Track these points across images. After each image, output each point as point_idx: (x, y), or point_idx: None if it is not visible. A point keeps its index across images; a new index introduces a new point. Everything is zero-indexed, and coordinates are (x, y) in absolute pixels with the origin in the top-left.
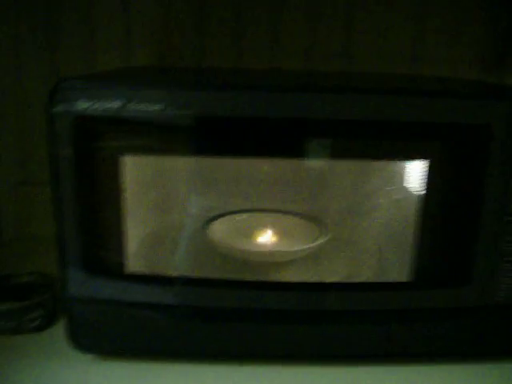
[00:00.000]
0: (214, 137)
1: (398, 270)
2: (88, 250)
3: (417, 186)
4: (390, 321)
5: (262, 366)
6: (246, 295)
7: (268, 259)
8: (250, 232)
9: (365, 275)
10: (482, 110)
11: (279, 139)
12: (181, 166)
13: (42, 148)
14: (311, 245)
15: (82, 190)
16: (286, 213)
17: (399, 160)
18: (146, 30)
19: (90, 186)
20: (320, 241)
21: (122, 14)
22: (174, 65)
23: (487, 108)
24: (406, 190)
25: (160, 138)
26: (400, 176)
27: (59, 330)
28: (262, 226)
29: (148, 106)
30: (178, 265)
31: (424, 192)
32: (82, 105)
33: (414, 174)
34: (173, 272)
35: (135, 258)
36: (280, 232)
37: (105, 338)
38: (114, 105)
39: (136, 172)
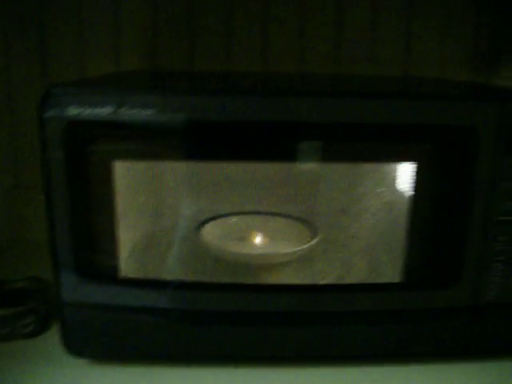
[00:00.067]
0: (206, 141)
1: (390, 271)
2: (81, 255)
3: (407, 187)
4: (382, 321)
5: (256, 369)
6: (239, 298)
7: (260, 261)
8: (241, 235)
9: (357, 276)
10: (469, 111)
11: (270, 143)
12: (173, 170)
13: (35, 152)
14: (303, 247)
15: (75, 195)
16: (277, 215)
17: (389, 162)
18: (136, 33)
19: (83, 190)
20: (312, 243)
21: (112, 18)
22: (164, 69)
23: (475, 110)
24: (396, 191)
25: (152, 142)
26: (390, 178)
27: (53, 335)
28: (254, 229)
29: (139, 111)
30: (170, 268)
31: (414, 193)
32: (74, 110)
33: (404, 175)
34: (166, 276)
35: (128, 263)
36: (272, 234)
37: (98, 342)
38: (105, 110)
39: (128, 176)
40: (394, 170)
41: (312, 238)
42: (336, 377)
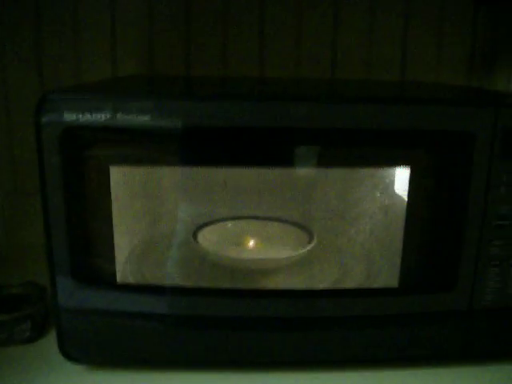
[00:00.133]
0: (203, 147)
1: (387, 276)
2: (78, 260)
3: (403, 192)
4: (379, 326)
5: (254, 374)
6: (236, 303)
7: (257, 267)
8: (238, 240)
9: (353, 281)
10: (465, 116)
11: (267, 148)
12: (170, 176)
13: (33, 157)
14: (300, 251)
15: (71, 200)
16: (274, 220)
17: (385, 167)
18: (133, 37)
19: (80, 196)
20: (309, 247)
21: (108, 22)
22: (160, 73)
23: (471, 115)
24: (392, 196)
25: (148, 148)
26: (386, 183)
27: (50, 341)
28: (251, 234)
29: (136, 117)
30: (168, 274)
31: (410, 198)
32: (70, 115)
33: (401, 180)
34: (163, 281)
35: (125, 268)
36: (269, 239)
37: (95, 348)
38: (102, 115)
39: (125, 181)
40: (391, 175)
41: (309, 243)
42: (334, 381)
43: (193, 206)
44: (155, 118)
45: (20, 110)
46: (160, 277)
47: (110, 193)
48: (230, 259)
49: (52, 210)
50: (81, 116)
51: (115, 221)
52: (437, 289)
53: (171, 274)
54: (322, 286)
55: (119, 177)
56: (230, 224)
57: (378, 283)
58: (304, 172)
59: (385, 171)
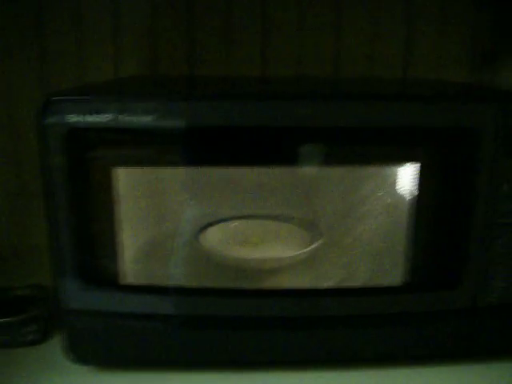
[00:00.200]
0: (207, 146)
1: (392, 274)
2: (82, 261)
3: (408, 189)
4: (384, 324)
5: (259, 373)
6: (242, 303)
7: (262, 266)
8: (243, 239)
9: (359, 280)
10: (469, 113)
11: (271, 147)
12: (174, 176)
13: (36, 159)
14: (305, 250)
15: (75, 202)
16: (278, 219)
17: (389, 165)
18: (136, 37)
19: (84, 197)
20: (313, 246)
21: (111, 22)
22: (163, 73)
23: (475, 111)
24: (398, 194)
25: (152, 148)
26: (391, 180)
27: (56, 343)
28: (256, 233)
29: (140, 118)
30: (173, 274)
31: (416, 196)
32: (74, 117)
33: (406, 178)
34: (168, 282)
35: (130, 269)
36: (273, 238)
37: (101, 349)
38: (105, 116)
39: (129, 182)
40: (395, 173)
41: (314, 242)
42: (339, 380)
43: (197, 205)
44: (159, 119)
45: (23, 111)
46: (165, 277)
47: (113, 194)
48: (235, 259)
49: (56, 212)
50: (84, 117)
51: (119, 221)
52: (443, 287)
53: (176, 275)
54: (326, 284)
55: (123, 178)
56: (233, 223)
57: (384, 281)
58: (310, 171)
59: (389, 169)
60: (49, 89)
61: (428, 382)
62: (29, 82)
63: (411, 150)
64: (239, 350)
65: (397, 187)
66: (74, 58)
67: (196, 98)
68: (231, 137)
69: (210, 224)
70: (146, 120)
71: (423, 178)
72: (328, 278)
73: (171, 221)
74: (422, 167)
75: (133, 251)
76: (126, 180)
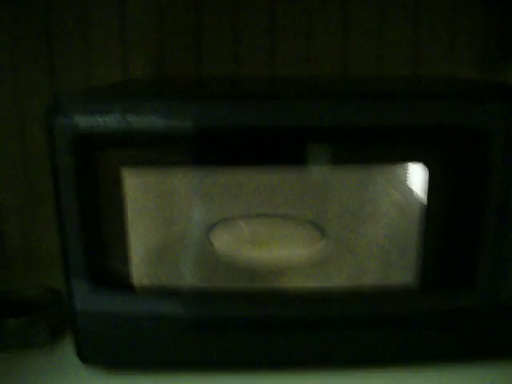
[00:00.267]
0: (216, 147)
1: (402, 275)
2: (92, 263)
3: (419, 189)
4: (396, 325)
5: (271, 375)
6: (252, 304)
7: (272, 266)
8: (252, 239)
9: (369, 280)
10: (481, 111)
11: (280, 147)
12: (184, 177)
13: (45, 161)
14: (315, 249)
15: (85, 203)
16: (287, 219)
17: (400, 164)
18: (143, 38)
19: (93, 199)
20: (324, 246)
21: (118, 23)
22: (171, 73)
23: (487, 109)
24: (408, 194)
25: (161, 150)
26: (402, 179)
27: (66, 344)
28: (265, 233)
29: (148, 118)
30: (183, 276)
31: (426, 195)
32: (82, 118)
33: (416, 177)
34: (179, 283)
35: (141, 270)
36: (283, 238)
37: (112, 351)
38: (114, 117)
39: (139, 183)
40: (406, 172)
41: (324, 242)
42: (348, 381)
43: (207, 206)
44: (168, 120)
45: (32, 113)
46: (176, 279)
47: (123, 195)
48: (243, 259)
49: (66, 213)
50: (93, 118)
51: (129, 223)
52: (455, 286)
53: (187, 276)
54: (337, 284)
55: (133, 179)
56: (243, 223)
57: (395, 281)
58: (319, 170)
59: (400, 168)
60: (57, 91)
61: (442, 382)
62: (37, 84)
63: (422, 148)
64: (251, 351)
65: (408, 187)
66: (82, 59)
67: (205, 98)
68: (240, 137)
69: (220, 224)
70: (154, 121)
71: (434, 177)
72: (338, 278)
73: (181, 222)
74: (432, 166)
75: (143, 252)
76: (135, 181)
